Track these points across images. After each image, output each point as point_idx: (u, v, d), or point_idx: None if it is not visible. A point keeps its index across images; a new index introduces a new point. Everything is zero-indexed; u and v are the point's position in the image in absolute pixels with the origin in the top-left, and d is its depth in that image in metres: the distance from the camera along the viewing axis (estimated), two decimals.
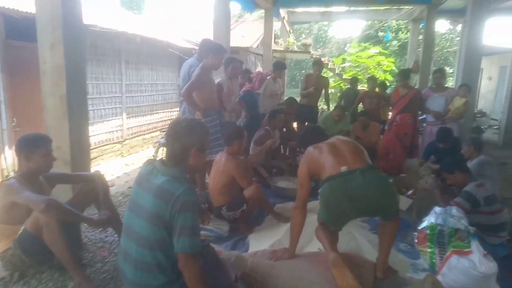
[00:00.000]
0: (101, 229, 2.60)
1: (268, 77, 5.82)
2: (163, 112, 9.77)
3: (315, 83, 6.02)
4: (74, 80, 3.30)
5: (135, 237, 1.72)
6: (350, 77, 6.62)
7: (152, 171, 1.78)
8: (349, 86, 6.43)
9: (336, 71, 13.34)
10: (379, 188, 2.14)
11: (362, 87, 8.99)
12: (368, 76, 6.39)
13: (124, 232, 1.83)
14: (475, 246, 2.57)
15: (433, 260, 2.88)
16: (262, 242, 2.97)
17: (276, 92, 5.85)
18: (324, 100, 6.82)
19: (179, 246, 1.62)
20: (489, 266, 2.47)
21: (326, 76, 6.81)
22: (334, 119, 5.81)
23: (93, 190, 2.62)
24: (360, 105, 6.63)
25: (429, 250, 2.91)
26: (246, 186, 3.33)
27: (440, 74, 5.30)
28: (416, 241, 3.02)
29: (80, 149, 3.42)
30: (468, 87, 5.03)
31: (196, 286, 1.67)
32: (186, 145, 1.74)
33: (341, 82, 13.93)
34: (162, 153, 6.26)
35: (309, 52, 12.38)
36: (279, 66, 5.77)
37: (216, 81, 4.41)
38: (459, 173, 3.22)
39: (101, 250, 2.79)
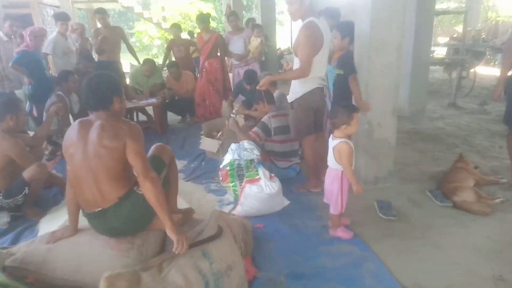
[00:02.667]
0: None
1: (55, 33, 4.95)
2: None
3: (107, 35, 5.32)
4: None
5: None
6: (171, 26, 6.13)
7: None
8: (172, 36, 6.02)
9: (155, 21, 12.60)
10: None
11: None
12: (172, 24, 6.10)
13: None
14: (261, 172, 2.84)
15: (236, 193, 3.09)
16: (54, 224, 2.62)
17: (70, 49, 5.07)
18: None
19: None
20: (272, 187, 2.78)
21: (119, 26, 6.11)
22: (145, 74, 5.46)
23: None
24: None
25: (231, 184, 3.10)
26: (28, 166, 2.82)
27: (234, 17, 5.48)
28: (220, 179, 3.17)
29: None
30: (260, 26, 5.38)
31: None
32: None
33: (165, 33, 13.35)
34: None
35: (116, 1, 11.18)
36: (60, 17, 4.91)
37: None
38: (264, 104, 3.48)
39: None
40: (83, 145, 1.89)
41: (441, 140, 4.45)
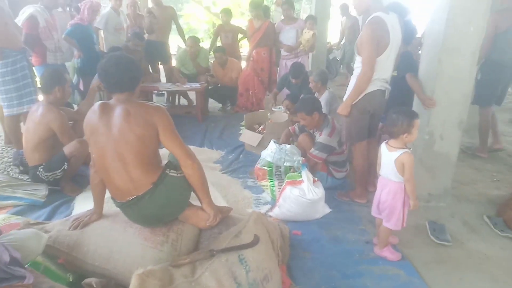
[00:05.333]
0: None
1: (109, 8, 4.96)
2: None
3: (159, 15, 5.32)
4: None
5: None
6: (221, 11, 5.97)
7: None
8: (221, 21, 5.88)
9: (205, 4, 12.56)
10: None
11: None
12: (222, 8, 5.94)
13: None
14: (305, 175, 2.65)
15: (274, 193, 2.93)
16: (90, 202, 2.57)
17: (121, 25, 5.07)
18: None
19: None
20: (315, 193, 2.59)
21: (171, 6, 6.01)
22: (189, 51, 5.35)
23: None
24: None
25: (269, 183, 2.94)
26: (66, 142, 2.81)
27: (288, 5, 5.23)
28: (255, 177, 3.03)
29: None
30: (313, 18, 5.10)
31: None
32: None
33: (213, 17, 13.28)
34: None
35: None
36: None
37: (28, 12, 3.50)
38: (316, 114, 3.04)
39: None
40: (106, 130, 1.79)
41: (501, 159, 4.04)
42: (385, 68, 2.56)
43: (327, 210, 2.73)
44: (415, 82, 2.78)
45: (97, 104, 1.88)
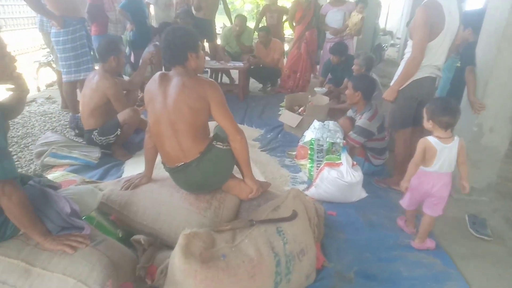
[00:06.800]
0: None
1: None
2: None
3: None
4: None
5: None
6: None
7: None
8: (268, 1, 5.85)
9: None
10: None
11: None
12: None
13: None
14: (344, 158, 2.67)
15: (312, 173, 2.98)
16: (138, 167, 2.75)
17: (171, 1, 5.18)
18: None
19: None
20: (354, 176, 2.60)
21: None
22: (234, 30, 5.38)
23: None
24: None
25: (308, 163, 2.99)
26: (120, 109, 2.98)
27: None
28: (295, 154, 3.07)
29: None
30: (365, 2, 4.95)
31: (19, 216, 1.43)
32: None
33: None
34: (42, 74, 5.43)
35: None
36: None
37: None
38: (359, 94, 3.02)
39: None
40: (163, 99, 1.90)
41: None
42: (438, 55, 2.48)
43: (363, 194, 2.74)
44: (472, 79, 2.63)
45: (157, 73, 1.99)
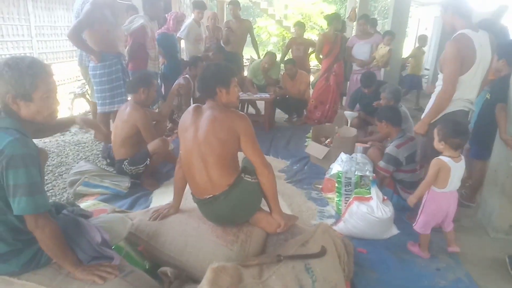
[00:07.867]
0: None
1: (191, 19, 5.33)
2: None
3: (236, 28, 5.58)
4: None
5: None
6: (295, 24, 6.13)
7: None
8: (294, 34, 6.04)
9: (277, 18, 12.85)
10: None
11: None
12: (296, 21, 6.05)
13: None
14: (374, 192, 2.59)
15: (340, 207, 2.91)
16: (166, 197, 2.79)
17: (201, 36, 5.41)
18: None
19: (16, 208, 1.37)
20: (385, 211, 2.52)
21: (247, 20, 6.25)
22: (263, 66, 5.53)
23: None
24: None
25: (336, 197, 2.93)
26: (150, 140, 3.07)
27: (364, 20, 5.17)
28: (321, 187, 3.02)
29: None
30: (392, 34, 4.99)
31: (52, 247, 1.47)
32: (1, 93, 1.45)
33: (283, 31, 13.55)
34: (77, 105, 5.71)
35: None
36: (198, 5, 5.22)
37: (139, 22, 3.89)
38: (384, 123, 3.04)
39: None
40: (194, 130, 1.96)
41: None
42: (470, 88, 2.43)
43: (395, 231, 2.63)
44: (503, 117, 2.56)
45: (192, 105, 2.08)
